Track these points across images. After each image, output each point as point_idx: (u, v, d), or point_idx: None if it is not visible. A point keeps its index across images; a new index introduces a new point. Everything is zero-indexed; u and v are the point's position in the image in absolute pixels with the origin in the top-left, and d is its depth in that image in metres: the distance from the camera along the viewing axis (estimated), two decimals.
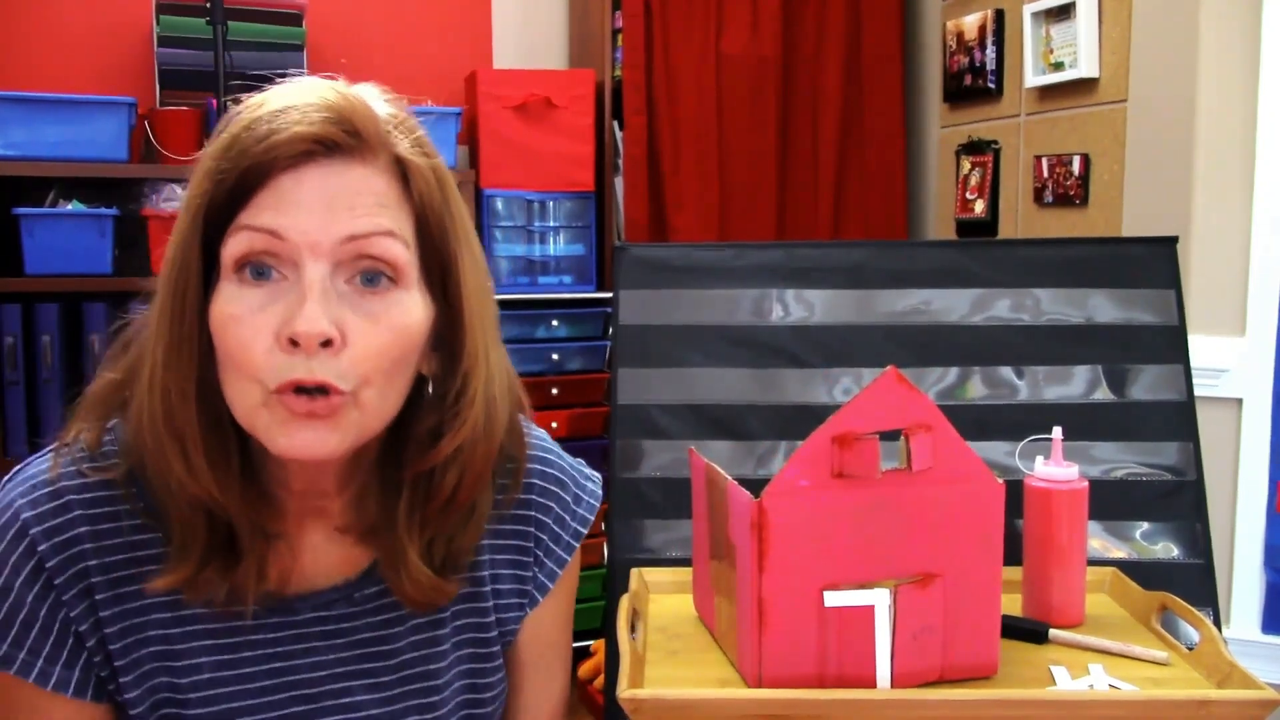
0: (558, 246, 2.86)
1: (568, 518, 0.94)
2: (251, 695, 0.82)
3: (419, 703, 0.87)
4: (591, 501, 0.96)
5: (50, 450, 0.82)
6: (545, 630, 0.95)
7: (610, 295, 2.30)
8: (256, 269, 0.73)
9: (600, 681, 1.43)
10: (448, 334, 0.80)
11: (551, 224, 2.85)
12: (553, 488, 0.93)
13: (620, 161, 2.88)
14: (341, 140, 0.73)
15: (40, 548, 0.77)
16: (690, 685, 0.91)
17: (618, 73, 2.86)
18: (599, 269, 2.89)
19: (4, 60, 2.66)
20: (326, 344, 0.72)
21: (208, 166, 0.74)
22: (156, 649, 0.80)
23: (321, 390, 0.73)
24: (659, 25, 2.86)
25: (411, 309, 0.76)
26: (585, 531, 0.95)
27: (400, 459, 0.81)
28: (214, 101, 2.45)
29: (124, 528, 0.79)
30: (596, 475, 0.99)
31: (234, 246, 0.73)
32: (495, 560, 0.90)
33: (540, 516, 0.92)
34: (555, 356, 2.73)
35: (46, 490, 0.79)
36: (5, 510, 0.79)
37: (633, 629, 0.98)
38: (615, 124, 2.88)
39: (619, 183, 2.88)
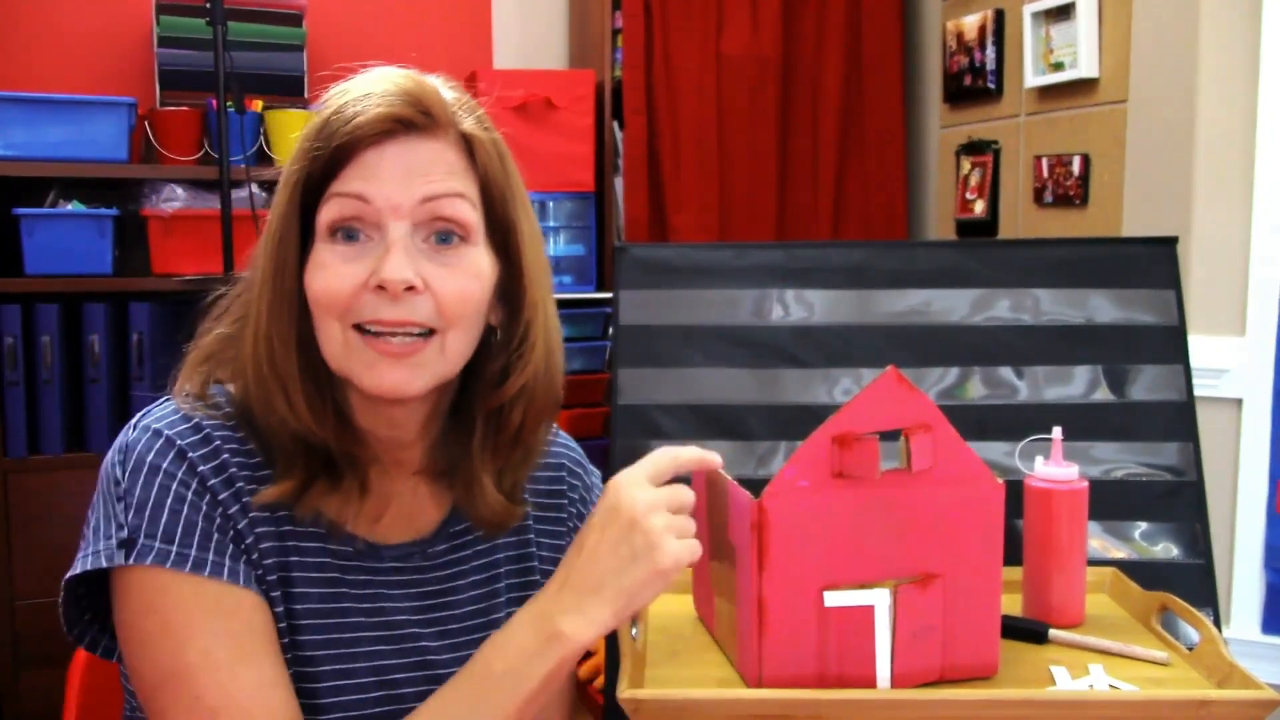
0: (558, 246, 2.87)
1: (589, 498, 1.07)
2: (349, 629, 0.90)
3: None
4: (599, 494, 1.03)
5: (165, 399, 0.90)
6: None
7: (610, 295, 2.30)
8: (347, 233, 0.84)
9: (600, 681, 1.44)
10: (510, 288, 0.90)
11: (551, 224, 2.85)
12: (577, 469, 1.07)
13: (620, 161, 2.88)
14: (416, 119, 0.84)
15: (192, 456, 0.85)
16: (690, 685, 0.91)
17: (618, 73, 2.86)
18: (599, 269, 2.89)
19: (4, 60, 2.66)
20: (410, 290, 0.83)
21: (303, 147, 0.86)
22: (276, 575, 0.87)
23: (406, 333, 0.83)
24: (659, 25, 2.86)
25: (480, 261, 0.87)
26: None
27: (472, 402, 0.92)
28: (214, 102, 2.45)
29: (249, 456, 0.88)
30: (598, 472, 1.12)
31: (327, 213, 0.84)
32: (539, 530, 1.03)
33: (570, 493, 1.05)
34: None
35: (184, 423, 0.87)
36: (156, 438, 0.86)
37: (633, 629, 0.98)
38: (615, 124, 2.89)
39: (619, 183, 2.88)
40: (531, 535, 1.02)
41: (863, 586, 0.87)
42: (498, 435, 0.93)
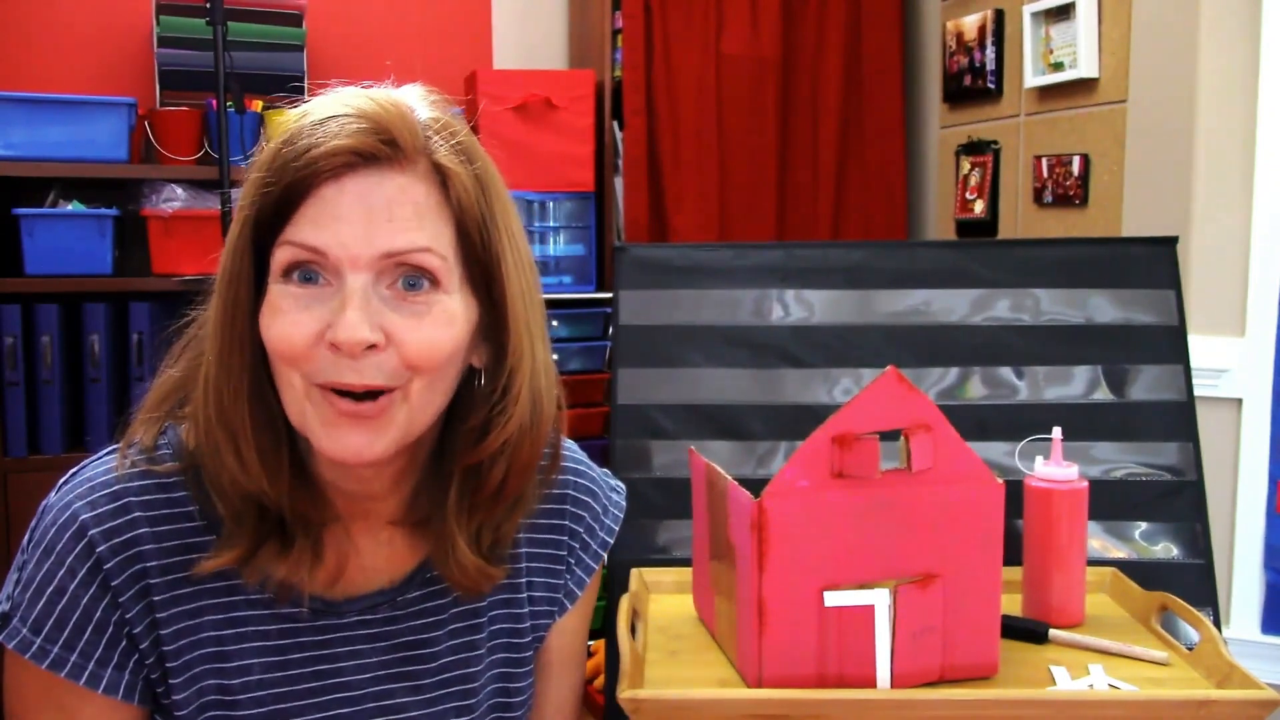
0: (558, 247, 2.86)
1: (597, 528, 0.98)
2: (299, 696, 0.84)
3: (457, 705, 0.89)
4: (617, 513, 1.00)
5: (109, 452, 0.84)
6: (568, 638, 0.99)
7: (610, 295, 2.30)
8: (304, 274, 0.75)
9: (600, 681, 1.44)
10: (493, 331, 0.81)
11: (551, 224, 2.85)
12: (585, 498, 0.97)
13: (620, 161, 2.88)
14: (379, 151, 0.75)
15: (99, 549, 0.79)
16: (690, 685, 0.91)
17: (618, 73, 2.86)
18: (599, 269, 2.89)
19: (4, 60, 2.66)
20: (371, 349, 0.74)
21: (255, 178, 0.76)
22: (209, 650, 0.82)
23: (370, 395, 0.75)
24: (659, 25, 2.86)
25: (452, 308, 0.77)
26: (611, 542, 0.99)
27: (452, 453, 0.83)
28: (214, 102, 2.45)
29: (182, 530, 0.81)
30: (621, 486, 1.03)
31: (281, 258, 0.75)
32: (531, 568, 0.94)
33: (574, 526, 0.96)
34: (555, 356, 2.73)
35: (106, 492, 0.80)
36: (63, 512, 0.80)
37: (633, 629, 0.98)
38: (615, 124, 2.88)
39: (619, 183, 2.88)
40: (524, 580, 0.93)
41: (863, 586, 0.87)
42: (476, 492, 0.84)
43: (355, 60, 2.82)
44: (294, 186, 0.74)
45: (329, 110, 0.76)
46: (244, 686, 0.82)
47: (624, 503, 1.01)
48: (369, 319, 0.74)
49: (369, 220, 0.74)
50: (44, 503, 0.82)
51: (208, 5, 2.36)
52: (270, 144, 0.77)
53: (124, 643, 0.80)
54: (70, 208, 2.49)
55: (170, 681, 0.81)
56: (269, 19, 2.65)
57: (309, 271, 0.75)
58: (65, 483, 0.83)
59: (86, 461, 0.84)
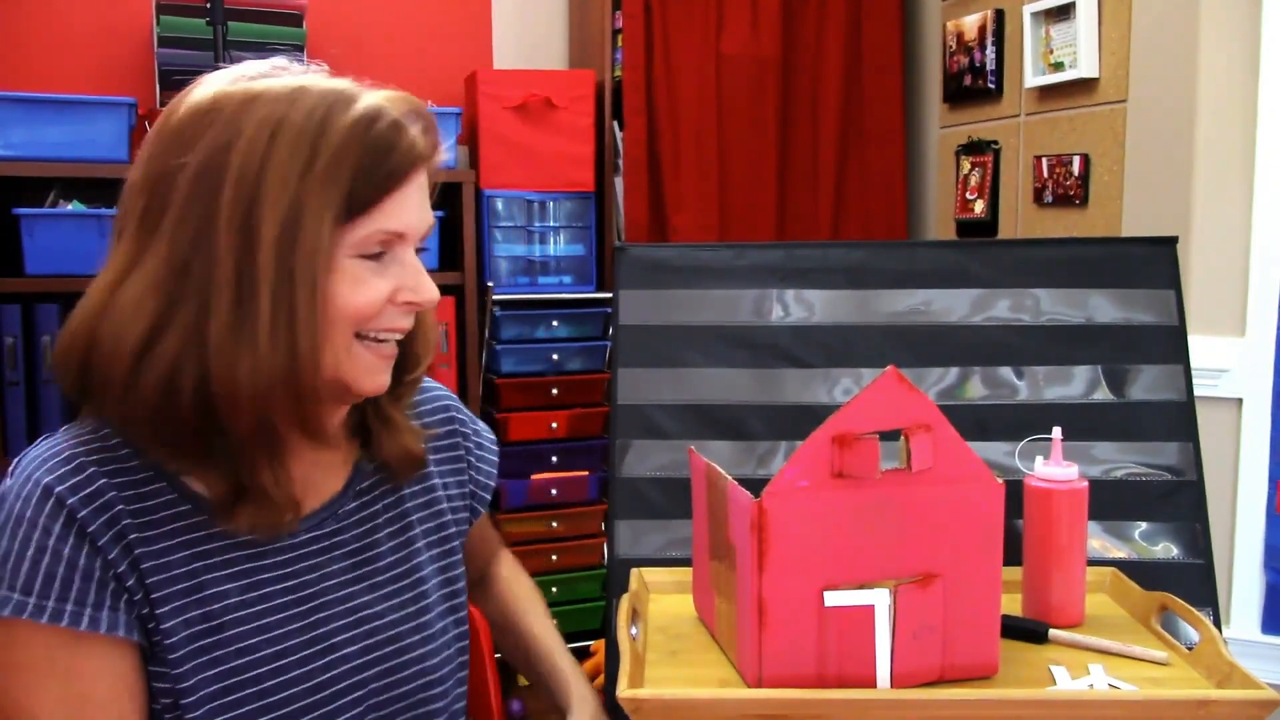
0: (558, 246, 2.86)
1: (482, 439, 1.14)
2: (276, 611, 0.92)
3: (412, 595, 1.00)
4: (489, 432, 1.17)
5: (46, 437, 0.90)
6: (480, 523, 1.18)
7: (610, 295, 2.30)
8: (374, 252, 0.89)
9: (600, 681, 1.44)
10: None
11: (551, 224, 2.85)
12: (460, 414, 1.14)
13: (620, 161, 2.88)
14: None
15: (69, 502, 0.83)
16: (690, 685, 0.91)
17: (618, 73, 2.86)
18: (599, 269, 2.89)
19: (4, 60, 2.66)
20: None
21: (343, 169, 0.84)
22: (186, 585, 0.88)
23: (398, 339, 0.92)
24: (659, 25, 2.86)
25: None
26: (496, 461, 1.16)
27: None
28: None
29: (137, 480, 0.87)
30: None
31: (373, 239, 0.87)
32: (441, 470, 1.09)
33: (463, 429, 1.12)
34: (555, 356, 2.73)
35: (59, 458, 0.86)
36: (26, 484, 0.85)
37: (632, 629, 0.98)
38: (615, 124, 2.88)
39: (619, 183, 2.88)
40: (436, 480, 1.07)
41: (863, 586, 0.88)
42: (402, 389, 1.01)
43: (355, 60, 2.81)
44: (394, 179, 0.87)
45: (396, 105, 0.89)
46: (224, 611, 0.89)
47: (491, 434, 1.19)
48: None
49: (423, 205, 0.91)
50: (3, 488, 0.86)
51: (208, 5, 2.36)
52: (347, 132, 0.84)
53: (112, 584, 0.84)
54: (70, 208, 2.49)
55: (158, 612, 0.86)
56: (269, 19, 2.65)
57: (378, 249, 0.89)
58: (14, 469, 0.87)
59: (27, 449, 0.89)
